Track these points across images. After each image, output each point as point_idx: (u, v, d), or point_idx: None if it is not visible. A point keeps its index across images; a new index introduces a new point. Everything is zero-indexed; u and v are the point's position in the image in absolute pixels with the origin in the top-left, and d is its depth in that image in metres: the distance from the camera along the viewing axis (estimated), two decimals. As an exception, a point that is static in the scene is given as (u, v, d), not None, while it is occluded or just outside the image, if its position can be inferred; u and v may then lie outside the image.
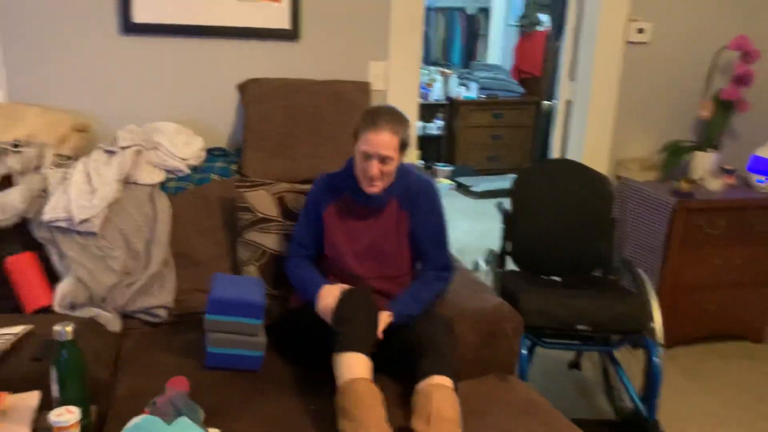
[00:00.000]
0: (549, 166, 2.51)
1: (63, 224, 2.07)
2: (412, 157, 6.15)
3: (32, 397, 1.55)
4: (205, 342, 1.85)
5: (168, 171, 2.33)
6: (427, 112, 6.28)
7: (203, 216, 2.26)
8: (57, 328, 1.41)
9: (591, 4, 3.00)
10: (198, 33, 2.50)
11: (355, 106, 2.57)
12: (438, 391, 1.58)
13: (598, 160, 3.12)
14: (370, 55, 2.72)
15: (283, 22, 2.57)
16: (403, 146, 1.85)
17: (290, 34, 2.59)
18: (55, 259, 2.11)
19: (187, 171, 2.35)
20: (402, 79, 2.76)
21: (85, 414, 1.46)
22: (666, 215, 2.78)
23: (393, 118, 1.82)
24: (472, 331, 1.89)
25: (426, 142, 6.37)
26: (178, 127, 2.42)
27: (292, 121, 2.46)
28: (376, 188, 1.87)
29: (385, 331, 1.85)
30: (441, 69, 6.42)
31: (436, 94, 6.19)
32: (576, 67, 3.15)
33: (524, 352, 1.99)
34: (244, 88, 2.56)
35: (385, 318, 1.83)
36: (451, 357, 1.73)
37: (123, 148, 2.28)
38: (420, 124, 6.18)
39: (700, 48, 3.08)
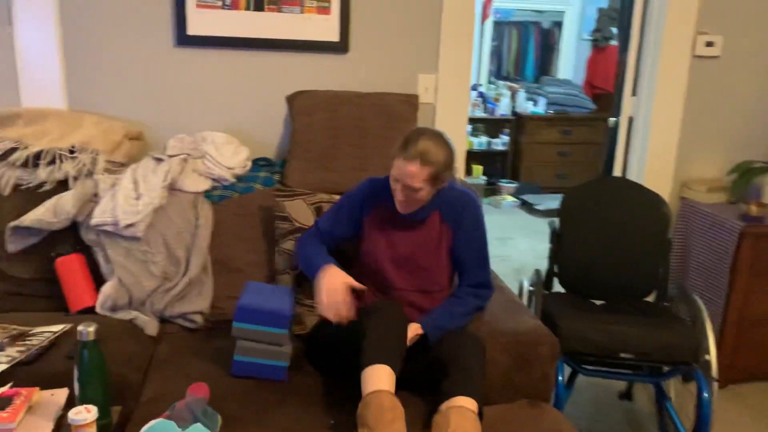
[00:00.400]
0: (600, 185, 2.39)
1: (109, 228, 2.14)
2: (477, 172, 6.09)
3: (61, 394, 1.60)
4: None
5: (214, 179, 2.38)
6: (494, 127, 6.19)
7: (243, 224, 2.28)
8: (80, 328, 1.45)
9: (656, 16, 2.86)
10: (249, 45, 2.54)
11: (401, 119, 2.54)
12: (458, 413, 1.52)
13: (661, 180, 2.96)
14: (419, 68, 2.69)
15: (333, 35, 2.58)
16: (435, 178, 1.79)
17: (339, 47, 2.60)
18: (101, 261, 2.18)
19: (232, 180, 2.39)
20: (451, 93, 2.72)
21: (105, 414, 1.49)
22: (732, 240, 2.60)
23: (429, 148, 1.76)
24: (504, 353, 1.81)
25: (490, 158, 6.28)
26: (226, 137, 2.47)
27: (336, 133, 2.46)
28: (404, 210, 1.86)
29: (413, 346, 1.82)
30: (509, 84, 6.32)
31: (503, 109, 6.09)
32: (639, 82, 3.00)
33: (561, 378, 1.89)
34: (292, 99, 2.59)
35: (414, 329, 1.79)
36: (477, 378, 1.66)
37: (171, 156, 2.34)
38: (485, 139, 6.10)
39: (775, 63, 2.89)
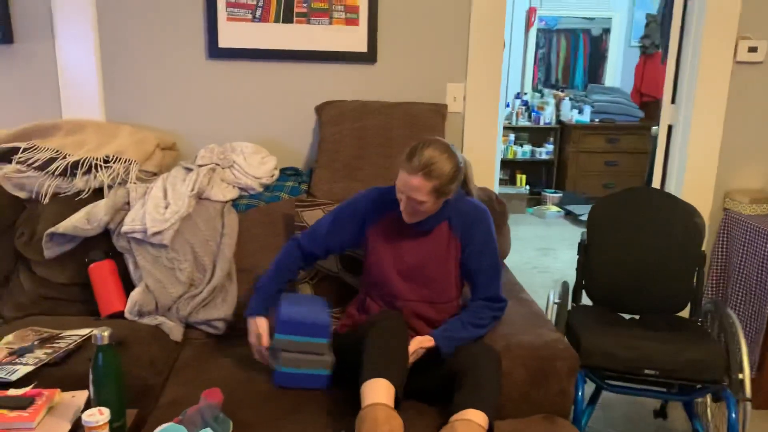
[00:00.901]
0: (630, 195, 2.32)
1: (138, 236, 2.21)
2: (520, 182, 6.01)
3: (81, 396, 1.65)
4: (271, 360, 1.88)
5: (241, 189, 2.42)
6: (538, 135, 6.10)
7: (268, 233, 2.31)
8: (95, 332, 1.49)
9: (695, 21, 2.77)
10: (278, 57, 2.59)
11: (428, 129, 2.54)
12: (464, 426, 1.50)
13: (701, 191, 2.85)
14: (447, 77, 2.68)
15: (361, 46, 2.60)
16: (439, 192, 1.77)
17: (367, 57, 2.62)
18: (131, 267, 2.25)
19: (259, 189, 2.43)
20: (481, 101, 2.69)
21: (119, 416, 1.53)
22: (775, 254, 2.48)
23: (434, 161, 1.73)
24: (521, 367, 1.77)
25: (535, 167, 6.19)
26: (255, 146, 2.52)
27: (363, 143, 2.47)
28: (410, 219, 1.84)
29: (428, 359, 1.80)
30: (555, 92, 6.22)
31: (547, 117, 5.99)
32: (678, 89, 2.91)
33: (580, 394, 1.83)
34: (320, 109, 2.62)
35: (425, 341, 1.78)
36: (490, 392, 1.64)
37: (200, 165, 2.40)
38: (528, 148, 6.01)
39: (825, 67, 2.75)
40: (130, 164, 2.39)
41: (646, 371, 1.86)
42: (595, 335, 1.94)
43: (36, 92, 2.57)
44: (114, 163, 2.37)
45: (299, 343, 1.82)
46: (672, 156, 2.96)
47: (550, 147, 6.03)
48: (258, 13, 2.54)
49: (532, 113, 6.03)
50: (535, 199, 6.09)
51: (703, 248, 2.29)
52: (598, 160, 5.82)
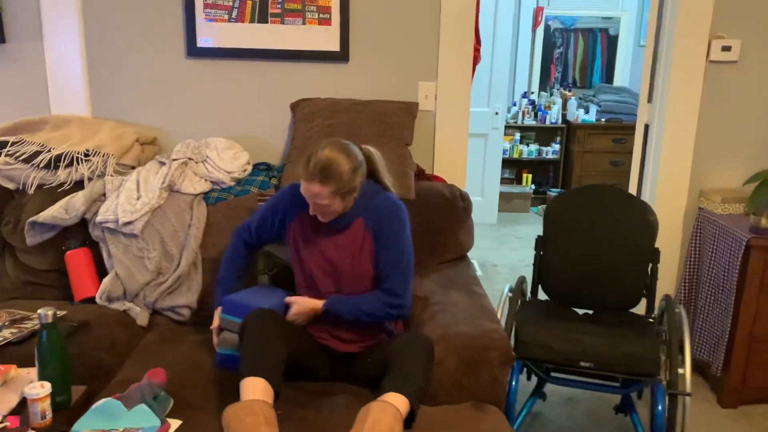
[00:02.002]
0: (587, 192, 2.35)
1: (111, 225, 2.33)
2: (526, 181, 6.01)
3: (34, 372, 1.76)
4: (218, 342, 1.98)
5: (213, 182, 2.52)
6: (545, 135, 6.10)
7: (234, 225, 2.40)
8: (39, 311, 1.60)
9: (668, 19, 2.78)
10: (254, 56, 2.69)
11: (396, 126, 2.60)
12: (380, 408, 1.57)
13: (676, 190, 2.86)
14: (419, 76, 2.74)
15: (334, 45, 2.69)
16: (340, 193, 1.81)
17: (340, 56, 2.70)
18: (105, 256, 2.37)
19: (231, 183, 2.53)
20: (451, 100, 2.75)
21: (63, 391, 1.64)
22: (738, 253, 2.48)
23: (328, 164, 1.77)
24: (454, 356, 1.83)
25: (542, 167, 6.19)
26: (227, 142, 2.62)
27: (331, 139, 2.55)
28: (324, 219, 1.89)
29: (371, 346, 1.90)
30: (562, 91, 6.21)
31: (554, 116, 5.99)
32: (654, 88, 2.92)
33: (514, 383, 1.88)
34: (295, 107, 2.71)
35: (312, 303, 1.90)
36: (415, 378, 1.70)
37: (174, 159, 2.51)
38: (534, 147, 6.02)
39: (799, 67, 2.74)
40: (108, 158, 2.51)
41: (582, 363, 1.90)
42: (534, 327, 1.98)
43: (26, 89, 2.71)
44: (93, 156, 2.50)
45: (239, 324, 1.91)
46: (648, 155, 2.98)
47: (557, 146, 6.02)
48: (234, 13, 2.64)
49: (539, 112, 6.03)
50: (540, 199, 6.08)
51: (657, 245, 2.31)
52: (603, 160, 5.79)
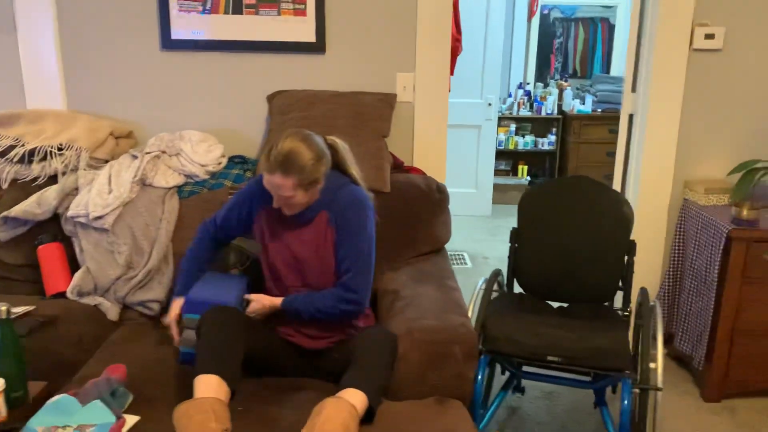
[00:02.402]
0: (561, 184, 2.31)
1: (82, 220, 2.31)
2: (522, 172, 5.97)
3: (-4, 368, 1.76)
4: (181, 339, 1.95)
5: (187, 176, 2.50)
6: (541, 126, 6.04)
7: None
8: (-7, 308, 1.59)
9: (651, 6, 2.72)
10: (229, 48, 2.66)
11: (373, 118, 2.57)
12: (333, 404, 1.54)
13: (660, 180, 2.82)
14: (397, 67, 2.70)
15: (309, 36, 2.65)
16: (302, 184, 1.78)
17: (316, 47, 2.66)
18: (77, 250, 2.36)
19: (205, 176, 2.51)
20: (430, 91, 2.71)
21: (19, 387, 1.62)
22: (720, 244, 2.44)
23: (289, 156, 1.74)
24: (418, 351, 1.80)
25: (538, 158, 6.13)
26: (202, 135, 2.59)
27: (305, 132, 2.52)
28: (288, 212, 1.87)
29: (338, 343, 1.89)
30: (559, 81, 6.14)
31: (550, 107, 5.93)
32: (638, 77, 2.87)
33: (480, 378, 1.85)
34: (272, 99, 2.68)
35: (270, 301, 1.90)
36: (375, 373, 1.68)
37: (147, 153, 2.49)
38: (530, 138, 5.96)
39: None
40: (81, 152, 2.50)
41: (549, 358, 1.87)
42: (502, 321, 1.95)
43: (1, 83, 2.70)
44: (67, 150, 2.48)
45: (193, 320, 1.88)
46: (632, 146, 2.93)
47: (552, 138, 5.96)
48: (208, 4, 2.61)
49: (535, 103, 5.97)
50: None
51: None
52: (599, 151, 5.73)
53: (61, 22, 2.64)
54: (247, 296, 1.93)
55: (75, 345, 2.01)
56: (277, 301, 1.90)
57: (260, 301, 1.90)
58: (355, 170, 1.98)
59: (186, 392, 1.78)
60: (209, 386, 1.58)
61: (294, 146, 1.76)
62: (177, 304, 1.96)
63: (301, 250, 1.91)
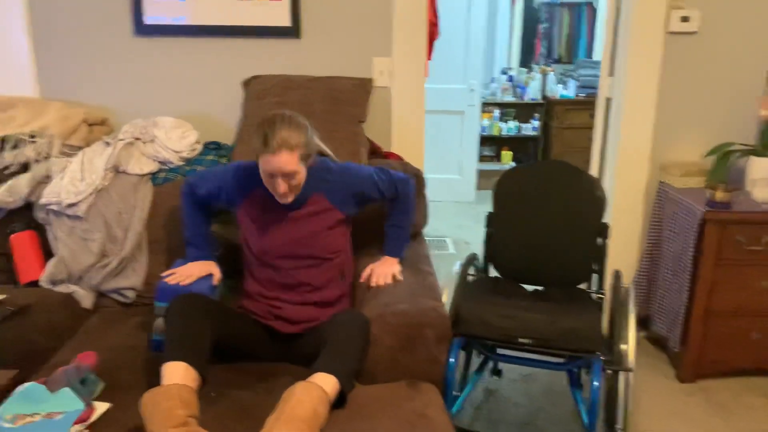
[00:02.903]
0: (535, 168, 2.31)
1: (55, 207, 2.29)
2: (506, 158, 5.97)
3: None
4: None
5: (161, 162, 2.48)
6: (524, 111, 6.04)
7: (179, 206, 2.37)
8: (-42, 296, 1.58)
9: (627, -9, 2.72)
10: (204, 33, 2.63)
11: (349, 103, 2.56)
12: (304, 389, 1.55)
13: (637, 164, 2.82)
14: (373, 51, 2.69)
15: (285, 20, 2.63)
16: (304, 157, 1.83)
17: (292, 31, 2.64)
18: (51, 238, 2.34)
19: (179, 163, 2.49)
20: (407, 75, 2.70)
21: (-15, 375, 1.62)
22: (694, 227, 2.45)
23: (288, 134, 1.78)
24: (390, 334, 1.80)
25: (522, 144, 6.13)
26: (176, 121, 2.57)
27: (281, 117, 2.50)
28: (288, 200, 1.87)
29: (312, 329, 1.92)
30: (542, 66, 6.13)
31: (533, 93, 5.92)
32: (615, 61, 2.87)
33: (452, 360, 1.86)
34: (247, 84, 2.66)
35: (390, 264, 2.07)
36: (347, 357, 1.69)
37: (121, 140, 2.47)
38: (514, 124, 5.96)
39: (758, 38, 2.68)
40: (53, 139, 2.47)
41: (521, 340, 1.88)
42: (474, 304, 1.96)
43: (-28, 70, 2.66)
44: (39, 138, 2.45)
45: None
46: (610, 130, 2.94)
47: (536, 123, 5.96)
48: (181, -11, 2.57)
49: (518, 89, 5.96)
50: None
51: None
52: (582, 136, 5.72)
53: (32, 8, 2.60)
54: (365, 272, 2.07)
55: (48, 333, 1.99)
56: (393, 261, 2.10)
57: (379, 274, 2.03)
58: (326, 146, 2.06)
59: (159, 380, 1.79)
60: (176, 373, 1.58)
61: (289, 125, 1.81)
62: (209, 267, 2.06)
63: (296, 233, 1.93)
